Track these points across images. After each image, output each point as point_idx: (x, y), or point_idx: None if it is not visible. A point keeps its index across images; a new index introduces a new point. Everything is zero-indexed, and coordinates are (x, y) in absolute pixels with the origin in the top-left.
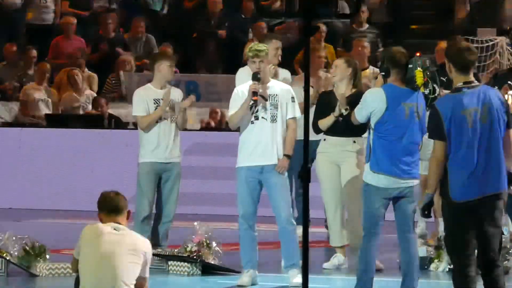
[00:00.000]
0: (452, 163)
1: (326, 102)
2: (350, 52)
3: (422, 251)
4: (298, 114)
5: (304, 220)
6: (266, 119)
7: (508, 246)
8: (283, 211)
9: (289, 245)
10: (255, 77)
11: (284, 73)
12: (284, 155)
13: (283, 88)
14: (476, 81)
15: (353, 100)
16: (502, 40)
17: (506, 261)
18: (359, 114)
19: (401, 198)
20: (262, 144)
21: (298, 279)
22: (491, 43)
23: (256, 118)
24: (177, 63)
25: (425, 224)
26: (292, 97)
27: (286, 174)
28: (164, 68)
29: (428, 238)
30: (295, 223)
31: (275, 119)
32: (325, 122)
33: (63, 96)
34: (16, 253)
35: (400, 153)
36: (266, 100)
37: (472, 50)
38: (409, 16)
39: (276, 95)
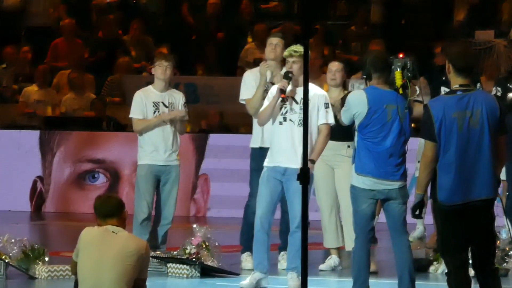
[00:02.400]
0: (441, 166)
1: None
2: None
3: (420, 253)
4: (331, 120)
5: (303, 222)
6: (293, 121)
7: (507, 249)
8: (298, 217)
9: (297, 249)
10: (286, 75)
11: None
12: (309, 159)
13: (317, 93)
14: (472, 85)
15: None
16: (500, 42)
17: (505, 264)
18: (344, 117)
19: (388, 201)
20: (287, 146)
21: (295, 282)
22: (489, 45)
23: (285, 119)
24: (176, 65)
25: (424, 226)
26: (326, 103)
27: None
28: (155, 70)
29: (427, 240)
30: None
31: (302, 123)
32: None
33: (63, 99)
34: (15, 256)
35: (383, 155)
36: (297, 103)
37: (471, 53)
38: (407, 18)
39: (308, 99)
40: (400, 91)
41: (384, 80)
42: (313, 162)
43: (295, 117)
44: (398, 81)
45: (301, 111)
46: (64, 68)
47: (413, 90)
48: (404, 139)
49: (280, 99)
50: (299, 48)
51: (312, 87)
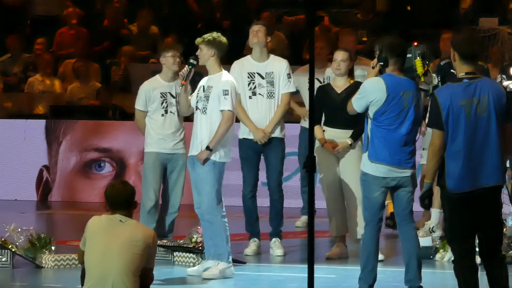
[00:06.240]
0: (449, 153)
1: (321, 96)
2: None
3: (427, 241)
4: (223, 107)
5: (310, 210)
6: (200, 110)
7: None
8: (204, 202)
9: (214, 238)
10: (188, 61)
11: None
12: (207, 147)
13: (221, 80)
14: (478, 73)
15: (352, 91)
16: (504, 29)
17: (511, 251)
18: (357, 104)
19: (398, 188)
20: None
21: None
22: (493, 32)
23: (196, 108)
24: (182, 53)
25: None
26: (225, 90)
27: (208, 165)
28: (167, 60)
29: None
30: (216, 214)
31: (205, 111)
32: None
33: (69, 88)
34: (22, 245)
35: (398, 142)
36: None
37: (477, 41)
38: (413, 5)
39: (211, 87)
40: (422, 79)
41: (399, 67)
42: (209, 149)
43: (202, 105)
44: (420, 69)
45: (204, 100)
46: (70, 57)
47: (433, 77)
48: (418, 127)
49: (180, 85)
50: (209, 36)
51: (224, 76)
